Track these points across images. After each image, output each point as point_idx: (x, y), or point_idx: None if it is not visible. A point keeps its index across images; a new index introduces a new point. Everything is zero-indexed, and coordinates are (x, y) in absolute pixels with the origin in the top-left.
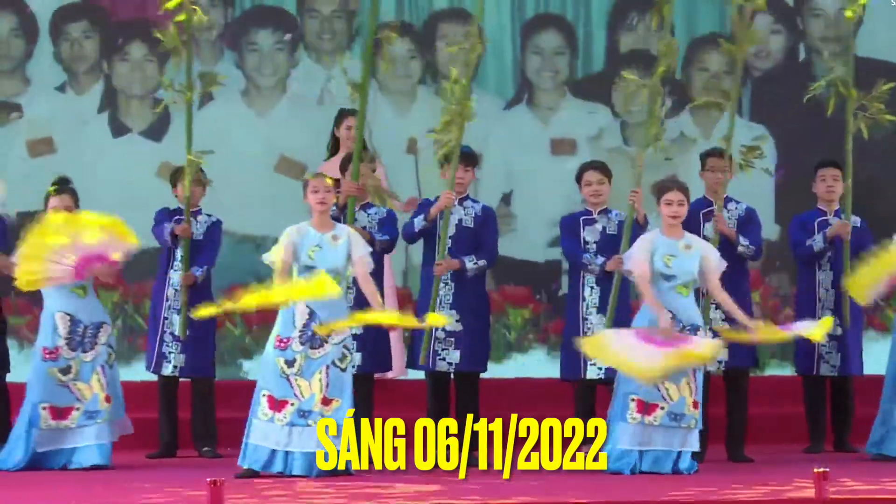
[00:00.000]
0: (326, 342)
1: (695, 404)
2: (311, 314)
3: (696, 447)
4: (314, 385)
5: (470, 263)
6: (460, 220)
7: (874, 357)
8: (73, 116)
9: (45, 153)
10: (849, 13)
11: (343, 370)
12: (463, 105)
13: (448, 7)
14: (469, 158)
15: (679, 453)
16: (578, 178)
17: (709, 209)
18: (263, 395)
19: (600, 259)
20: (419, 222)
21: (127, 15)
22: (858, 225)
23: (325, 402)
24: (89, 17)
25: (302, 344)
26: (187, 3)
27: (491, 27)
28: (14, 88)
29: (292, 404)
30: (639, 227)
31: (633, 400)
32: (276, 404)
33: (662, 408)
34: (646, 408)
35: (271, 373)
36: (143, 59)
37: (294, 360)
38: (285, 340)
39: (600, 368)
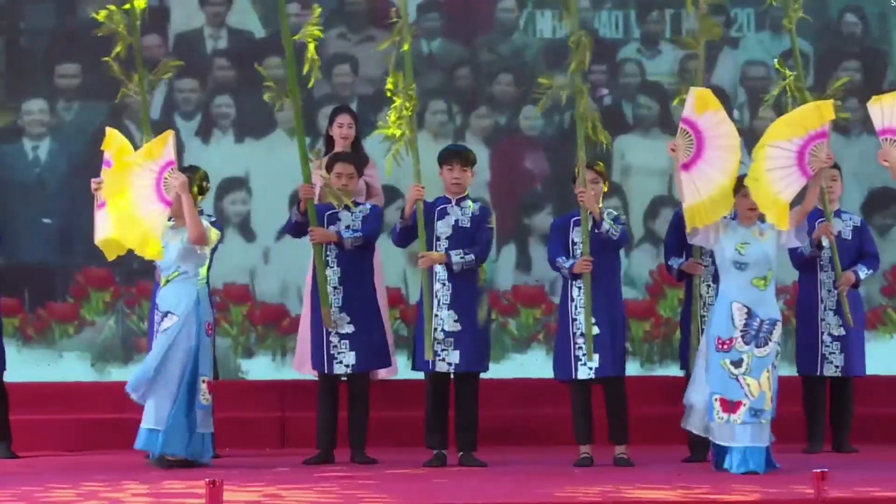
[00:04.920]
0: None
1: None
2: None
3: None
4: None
5: (456, 257)
6: (457, 221)
7: (875, 357)
8: None
9: None
10: None
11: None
12: (408, 97)
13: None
14: (466, 158)
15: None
16: (574, 179)
17: None
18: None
19: (569, 262)
20: (398, 223)
21: None
22: (859, 224)
23: None
24: None
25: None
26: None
27: None
28: None
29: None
30: (595, 225)
31: (716, 399)
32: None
33: (744, 404)
34: (730, 406)
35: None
36: None
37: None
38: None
39: (590, 368)
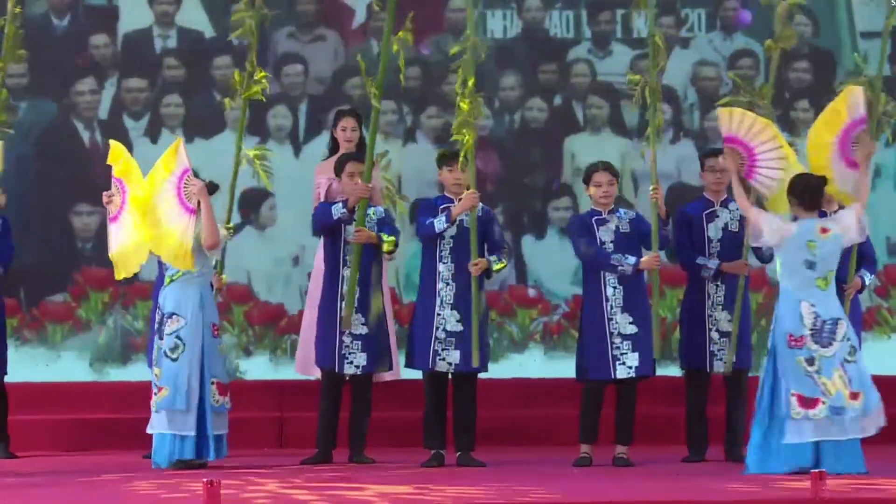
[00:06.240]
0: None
1: (852, 395)
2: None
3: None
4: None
5: (496, 265)
6: (462, 221)
7: (871, 357)
8: None
9: None
10: None
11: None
12: (473, 105)
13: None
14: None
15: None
16: (587, 180)
17: (710, 210)
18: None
19: (631, 258)
20: (441, 223)
21: None
22: None
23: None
24: None
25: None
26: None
27: None
28: None
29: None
30: (662, 223)
31: (793, 395)
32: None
33: (823, 402)
34: (807, 402)
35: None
36: None
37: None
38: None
39: (630, 368)
